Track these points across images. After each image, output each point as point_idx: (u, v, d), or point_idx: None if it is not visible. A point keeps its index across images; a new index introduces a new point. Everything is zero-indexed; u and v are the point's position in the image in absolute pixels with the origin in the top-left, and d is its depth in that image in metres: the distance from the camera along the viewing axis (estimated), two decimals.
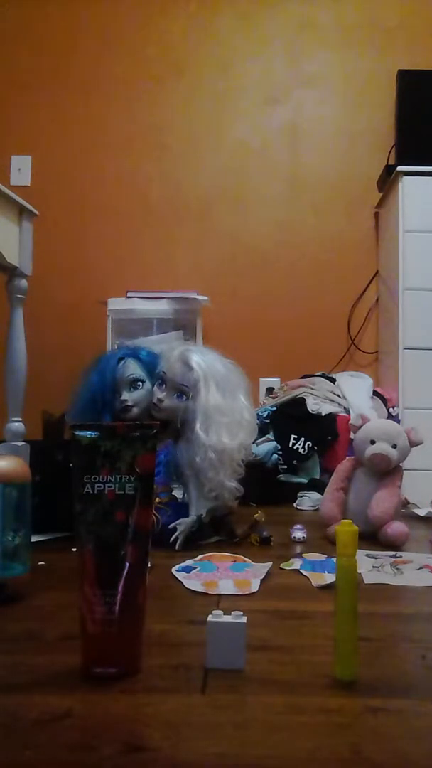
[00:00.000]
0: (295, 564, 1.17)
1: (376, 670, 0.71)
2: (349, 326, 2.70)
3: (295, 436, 2.09)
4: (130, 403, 1.46)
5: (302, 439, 2.08)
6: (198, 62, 2.79)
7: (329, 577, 1.06)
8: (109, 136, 2.77)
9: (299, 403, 2.20)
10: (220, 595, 0.98)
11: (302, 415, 2.14)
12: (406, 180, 2.30)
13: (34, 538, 1.07)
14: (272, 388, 2.50)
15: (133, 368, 1.48)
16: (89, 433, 0.72)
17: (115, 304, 2.38)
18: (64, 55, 2.78)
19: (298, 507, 1.93)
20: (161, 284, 2.56)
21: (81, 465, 0.71)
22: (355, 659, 0.68)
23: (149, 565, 0.72)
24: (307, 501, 1.94)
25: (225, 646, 0.70)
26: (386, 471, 1.41)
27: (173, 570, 1.11)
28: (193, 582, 1.04)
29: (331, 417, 2.12)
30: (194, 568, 1.12)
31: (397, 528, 1.35)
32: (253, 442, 1.69)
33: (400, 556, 1.25)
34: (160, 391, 1.41)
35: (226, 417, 1.35)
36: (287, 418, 2.15)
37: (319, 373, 2.39)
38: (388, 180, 2.43)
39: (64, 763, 0.52)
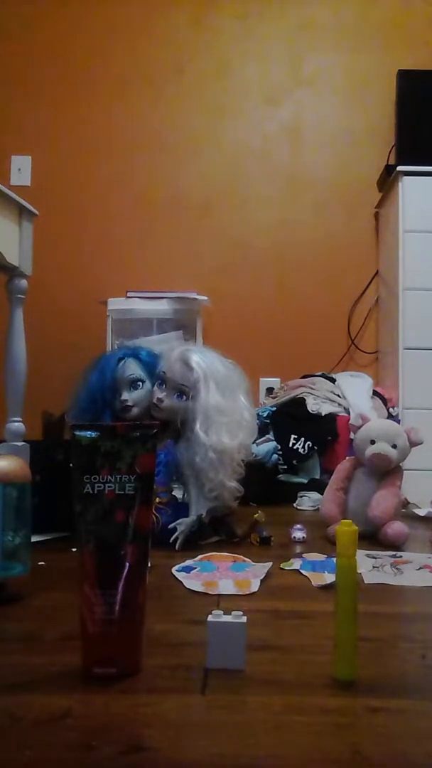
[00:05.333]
0: (295, 564, 1.17)
1: (376, 670, 0.71)
2: (349, 326, 2.70)
3: (295, 436, 2.08)
4: (130, 403, 1.46)
5: (302, 439, 2.08)
6: (198, 62, 2.78)
7: (329, 577, 1.06)
8: (109, 136, 2.77)
9: (299, 403, 2.19)
10: (220, 595, 0.98)
11: (302, 415, 2.14)
12: (406, 180, 2.30)
13: (34, 538, 1.07)
14: (272, 388, 2.50)
15: (133, 368, 1.48)
16: (89, 433, 0.72)
17: (115, 304, 2.38)
18: (64, 55, 2.78)
19: (298, 507, 1.93)
20: (161, 284, 2.56)
21: (81, 465, 0.71)
22: (355, 659, 0.68)
23: (149, 565, 0.72)
24: (307, 501, 1.93)
25: (225, 646, 0.70)
26: (386, 471, 1.41)
27: (173, 570, 1.11)
28: (193, 582, 1.04)
29: (331, 417, 2.12)
30: (194, 568, 1.12)
31: (397, 528, 1.35)
32: (253, 442, 1.69)
33: (400, 556, 1.25)
34: (160, 391, 1.41)
35: (226, 417, 1.35)
36: (287, 418, 2.15)
37: (319, 373, 2.39)
38: (388, 180, 2.43)
39: (64, 763, 0.52)
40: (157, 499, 1.35)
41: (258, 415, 2.04)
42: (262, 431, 2.04)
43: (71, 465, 0.71)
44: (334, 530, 0.71)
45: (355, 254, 2.72)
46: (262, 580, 1.05)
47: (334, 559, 0.70)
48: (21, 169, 2.75)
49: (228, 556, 1.22)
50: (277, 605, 0.95)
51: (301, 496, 1.97)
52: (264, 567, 1.12)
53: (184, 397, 1.37)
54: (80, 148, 2.76)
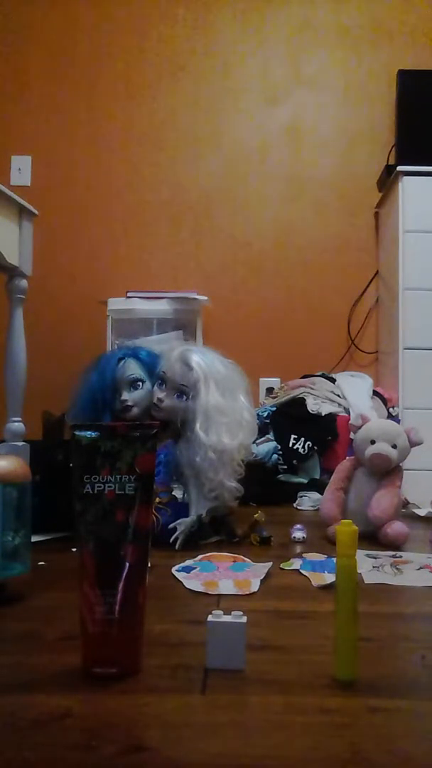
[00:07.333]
0: (295, 564, 1.17)
1: (376, 670, 0.71)
2: (349, 326, 2.70)
3: (295, 436, 2.08)
4: (130, 403, 1.46)
5: (302, 439, 2.08)
6: (198, 62, 2.78)
7: (329, 577, 1.06)
8: (109, 137, 2.77)
9: (299, 403, 2.19)
10: (220, 595, 0.98)
11: (302, 415, 2.14)
12: (406, 180, 2.30)
13: (34, 538, 1.07)
14: (272, 388, 2.50)
15: (133, 368, 1.48)
16: (89, 433, 0.72)
17: (115, 304, 2.38)
18: (64, 55, 2.78)
19: (298, 507, 1.93)
20: (161, 284, 2.56)
21: (81, 465, 0.71)
22: (355, 659, 0.68)
23: (149, 565, 0.72)
24: (307, 501, 1.93)
25: (225, 646, 0.70)
26: (386, 471, 1.41)
27: (173, 570, 1.11)
28: (193, 582, 1.04)
29: (331, 417, 2.12)
30: (194, 568, 1.12)
31: (397, 528, 1.35)
32: (253, 442, 1.69)
33: (400, 556, 1.25)
34: (160, 391, 1.41)
35: (226, 417, 1.35)
36: (287, 418, 2.15)
37: (319, 373, 2.39)
38: (388, 180, 2.43)
39: (64, 763, 0.52)
40: (157, 499, 1.35)
41: (258, 415, 2.04)
42: (262, 431, 2.04)
43: (71, 465, 0.71)
44: (334, 530, 0.71)
45: (355, 254, 2.72)
46: (262, 580, 1.05)
47: (334, 559, 0.70)
48: (21, 169, 2.75)
49: (228, 556, 1.22)
50: (277, 605, 0.95)
51: (301, 496, 1.97)
52: (264, 567, 1.12)
53: (184, 397, 1.37)
54: (80, 148, 2.76)
